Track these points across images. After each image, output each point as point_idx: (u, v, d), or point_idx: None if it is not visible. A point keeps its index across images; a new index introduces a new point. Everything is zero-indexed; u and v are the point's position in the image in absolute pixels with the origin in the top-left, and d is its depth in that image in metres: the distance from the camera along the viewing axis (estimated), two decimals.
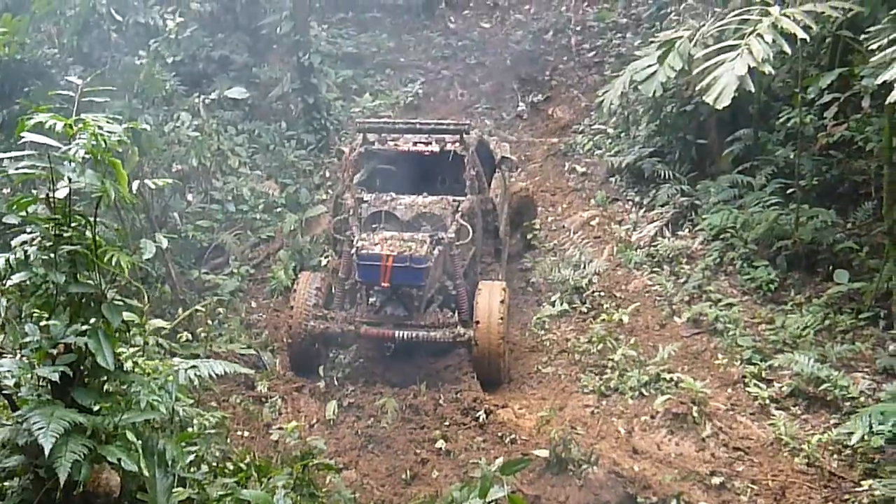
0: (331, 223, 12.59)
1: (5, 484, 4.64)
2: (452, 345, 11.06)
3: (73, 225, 4.63)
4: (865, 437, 8.99)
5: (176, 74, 14.25)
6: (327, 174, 17.80)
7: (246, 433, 9.98)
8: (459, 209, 11.84)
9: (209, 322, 11.88)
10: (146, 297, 6.19)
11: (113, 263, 4.58)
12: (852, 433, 9.11)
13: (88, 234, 4.66)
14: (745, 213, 13.58)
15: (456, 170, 12.47)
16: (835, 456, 9.27)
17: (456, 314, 11.33)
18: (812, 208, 12.94)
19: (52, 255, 4.57)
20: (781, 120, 14.01)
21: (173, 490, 4.81)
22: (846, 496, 8.72)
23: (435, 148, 12.35)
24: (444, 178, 13.12)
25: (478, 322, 10.92)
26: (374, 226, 11.83)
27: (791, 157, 13.89)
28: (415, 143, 12.50)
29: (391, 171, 12.92)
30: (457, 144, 12.22)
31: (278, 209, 15.86)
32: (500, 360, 10.99)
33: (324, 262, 13.80)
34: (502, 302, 11.08)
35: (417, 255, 10.84)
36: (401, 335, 10.97)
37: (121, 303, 4.73)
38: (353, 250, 11.11)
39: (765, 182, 14.19)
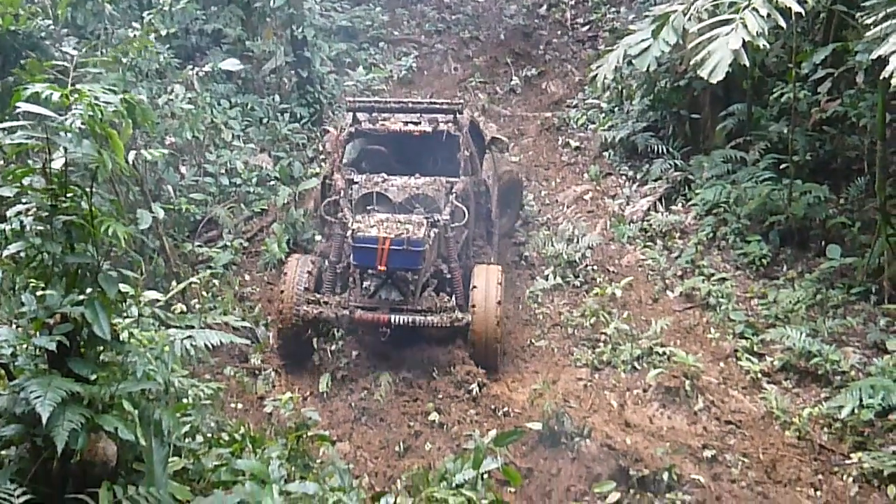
0: (319, 205, 12.33)
1: (2, 453, 4.67)
2: (449, 330, 10.72)
3: (69, 196, 4.63)
4: (855, 411, 9.06)
5: (169, 47, 14.21)
6: (320, 148, 17.77)
7: (240, 405, 10.02)
8: (453, 191, 11.63)
9: (203, 294, 11.90)
10: (142, 269, 6.21)
11: (109, 234, 4.59)
12: (842, 407, 9.17)
13: (84, 205, 4.66)
14: (738, 189, 13.60)
15: (448, 150, 12.21)
16: (825, 429, 9.33)
17: (452, 298, 10.98)
18: (805, 184, 12.98)
19: (48, 226, 4.57)
20: (775, 95, 14.00)
21: (169, 460, 4.84)
22: (836, 469, 8.79)
23: (427, 128, 12.07)
24: (435, 158, 12.69)
25: (474, 306, 10.61)
26: (367, 208, 11.47)
27: (784, 132, 13.90)
28: (406, 123, 12.20)
29: (381, 152, 12.65)
30: (449, 124, 12.05)
31: (271, 182, 15.84)
32: (497, 344, 10.67)
33: (317, 237, 13.50)
34: (499, 285, 10.84)
35: (415, 237, 10.52)
36: (396, 320, 10.57)
37: (116, 274, 4.74)
38: (349, 233, 10.75)
39: (758, 157, 14.22)
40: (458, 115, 12.08)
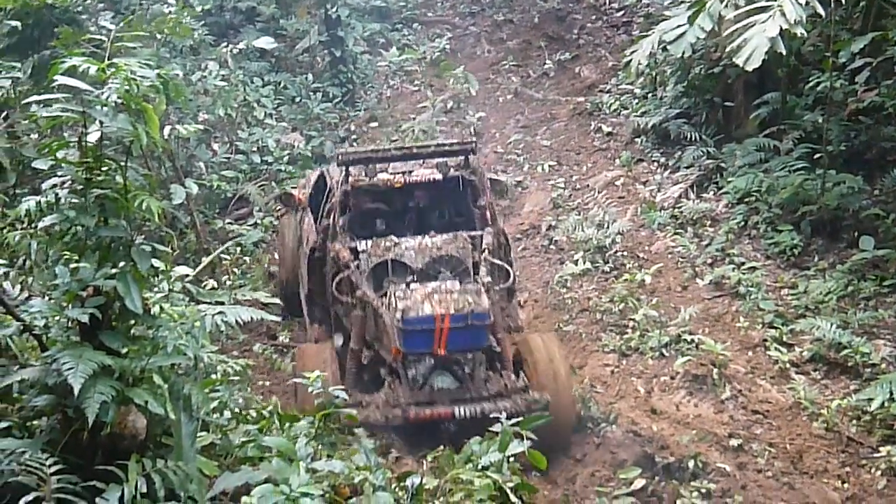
0: (304, 280, 10.74)
1: (34, 423, 4.72)
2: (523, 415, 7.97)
3: (103, 169, 4.66)
4: (885, 404, 9.01)
5: (203, 24, 14.29)
6: (352, 128, 17.81)
7: (268, 382, 10.07)
8: (483, 245, 9.79)
9: (233, 271, 11.96)
10: (174, 244, 6.25)
11: (143, 209, 4.61)
12: (872, 399, 9.12)
13: (118, 179, 4.69)
14: (770, 177, 13.49)
15: (460, 199, 10.57)
16: (853, 421, 9.29)
17: (520, 378, 9.06)
18: (839, 174, 12.85)
19: (83, 199, 4.60)
20: (811, 84, 13.87)
21: (197, 434, 4.88)
22: (863, 461, 8.75)
23: (437, 175, 10.29)
24: (443, 210, 10.93)
25: (543, 385, 8.80)
26: (386, 281, 9.54)
27: (819, 121, 13.78)
28: (410, 172, 10.42)
29: (379, 210, 10.73)
30: (460, 169, 10.35)
31: (302, 161, 15.87)
32: (571, 427, 9.01)
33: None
34: (564, 357, 9.28)
35: (479, 309, 8.67)
36: (463, 412, 8.60)
37: (149, 248, 4.77)
38: (396, 315, 8.67)
39: (791, 146, 14.09)
40: (470, 157, 10.38)
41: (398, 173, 10.38)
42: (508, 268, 9.97)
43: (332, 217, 10.05)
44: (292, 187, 13.03)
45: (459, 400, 8.75)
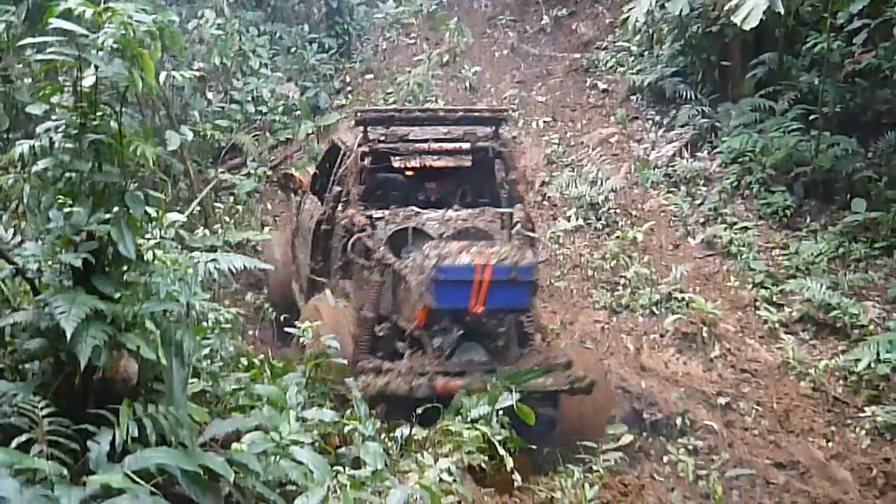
0: (311, 259, 9.59)
1: (26, 366, 4.73)
2: (566, 394, 7.89)
3: (98, 115, 4.64)
4: (872, 365, 9.10)
5: None
6: (348, 79, 17.73)
7: (258, 332, 10.10)
8: (515, 221, 8.77)
9: (226, 220, 11.96)
10: (168, 191, 6.25)
11: (137, 154, 4.60)
12: (859, 360, 9.21)
13: (113, 124, 4.67)
14: (764, 138, 13.49)
15: (484, 173, 9.39)
16: (840, 382, 9.38)
17: (547, 352, 8.21)
18: (833, 136, 12.87)
19: (77, 144, 4.59)
20: (808, 45, 13.82)
21: (189, 381, 4.90)
22: (849, 421, 8.84)
23: (465, 145, 9.16)
24: (463, 185, 9.72)
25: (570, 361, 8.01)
26: (408, 249, 8.41)
27: (815, 83, 13.77)
28: (435, 141, 9.19)
29: (397, 181, 9.55)
30: (489, 140, 9.21)
31: (297, 112, 15.82)
32: (607, 413, 8.34)
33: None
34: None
35: (524, 262, 7.67)
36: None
37: (143, 194, 4.77)
38: (430, 264, 7.58)
39: (787, 107, 14.08)
40: (501, 126, 9.33)
41: (420, 141, 9.18)
42: (539, 246, 8.99)
43: (345, 184, 9.02)
44: (291, 168, 12.39)
45: (493, 373, 7.61)
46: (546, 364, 7.85)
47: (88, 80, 4.53)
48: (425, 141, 9.14)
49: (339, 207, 9.04)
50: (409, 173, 9.42)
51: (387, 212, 8.72)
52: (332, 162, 9.77)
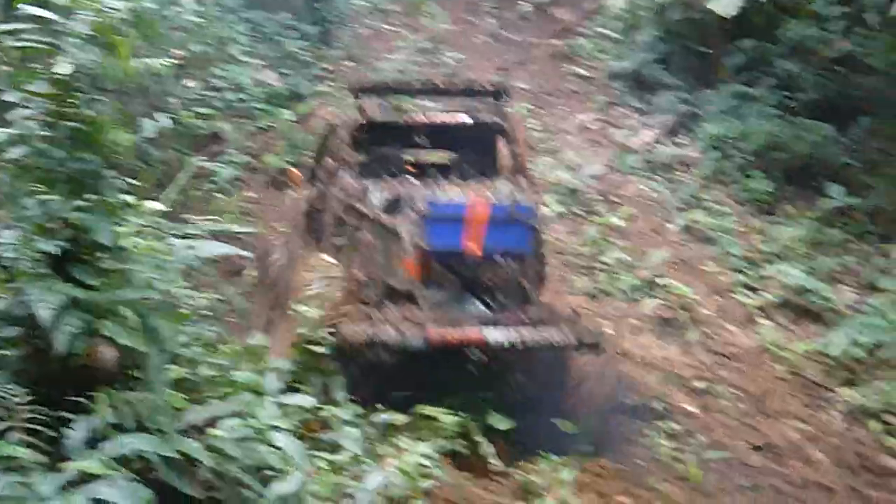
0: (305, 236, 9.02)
1: (3, 354, 4.75)
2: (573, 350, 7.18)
3: (73, 102, 4.65)
4: (847, 349, 9.17)
5: None
6: (328, 66, 17.69)
7: (238, 319, 10.10)
8: (515, 194, 7.86)
9: (206, 208, 11.94)
10: (145, 178, 6.25)
11: (113, 141, 4.62)
12: (834, 344, 9.27)
13: (89, 112, 4.69)
14: (744, 124, 13.57)
15: (483, 146, 8.78)
16: (816, 365, 9.44)
17: (552, 304, 7.80)
18: (811, 122, 12.94)
19: (53, 132, 4.60)
20: (787, 33, 13.90)
21: (167, 368, 4.92)
22: (824, 403, 8.93)
23: (466, 119, 8.62)
24: (462, 159, 8.80)
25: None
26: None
27: (794, 70, 13.83)
28: (433, 113, 8.67)
29: (392, 156, 8.75)
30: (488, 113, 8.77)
31: (277, 99, 15.80)
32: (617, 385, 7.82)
33: None
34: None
35: (524, 202, 7.37)
36: (497, 339, 6.77)
37: (120, 182, 4.78)
38: (421, 203, 7.24)
39: (766, 94, 14.15)
40: (501, 99, 8.89)
41: (422, 111, 8.76)
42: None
43: (338, 157, 8.47)
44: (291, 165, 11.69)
45: (493, 324, 6.93)
46: (550, 319, 7.14)
47: (64, 68, 4.53)
48: (423, 113, 8.68)
49: (332, 183, 8.48)
50: (406, 157, 8.72)
51: (380, 182, 8.07)
52: (327, 144, 9.30)
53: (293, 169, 10.38)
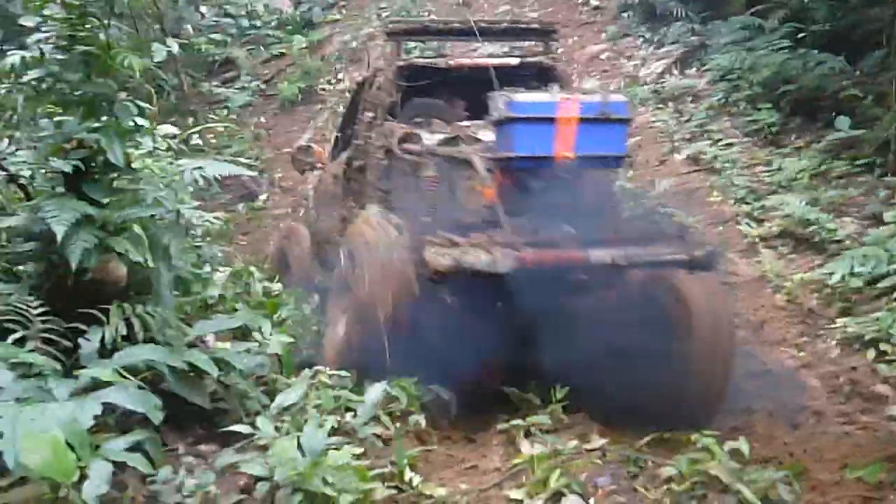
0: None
1: (20, 268, 4.95)
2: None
3: (87, 27, 4.80)
4: (845, 278, 9.26)
5: None
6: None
7: (247, 241, 10.29)
8: None
9: (219, 131, 12.09)
10: (156, 101, 6.39)
11: (125, 66, 4.77)
12: (833, 273, 9.38)
13: (102, 36, 4.84)
14: (753, 56, 13.55)
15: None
16: (815, 294, 9.55)
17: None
18: (821, 54, 12.93)
19: (67, 55, 4.76)
20: None
21: (176, 283, 5.13)
22: (820, 332, 9.02)
23: (513, 61, 8.01)
24: None
25: None
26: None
27: (805, 0, 13.80)
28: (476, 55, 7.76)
29: (433, 105, 7.98)
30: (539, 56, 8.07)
31: (290, 26, 15.84)
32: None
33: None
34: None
35: (616, 99, 6.52)
36: (601, 257, 5.95)
37: (132, 105, 4.95)
38: (502, 104, 6.27)
39: (777, 25, 14.11)
40: (550, 40, 8.22)
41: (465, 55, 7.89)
42: None
43: (378, 107, 7.65)
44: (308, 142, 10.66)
45: (597, 242, 6.07)
46: (655, 232, 6.51)
47: None
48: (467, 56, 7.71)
49: (373, 134, 7.61)
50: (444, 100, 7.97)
51: (431, 125, 7.54)
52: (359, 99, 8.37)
53: (317, 147, 9.60)
